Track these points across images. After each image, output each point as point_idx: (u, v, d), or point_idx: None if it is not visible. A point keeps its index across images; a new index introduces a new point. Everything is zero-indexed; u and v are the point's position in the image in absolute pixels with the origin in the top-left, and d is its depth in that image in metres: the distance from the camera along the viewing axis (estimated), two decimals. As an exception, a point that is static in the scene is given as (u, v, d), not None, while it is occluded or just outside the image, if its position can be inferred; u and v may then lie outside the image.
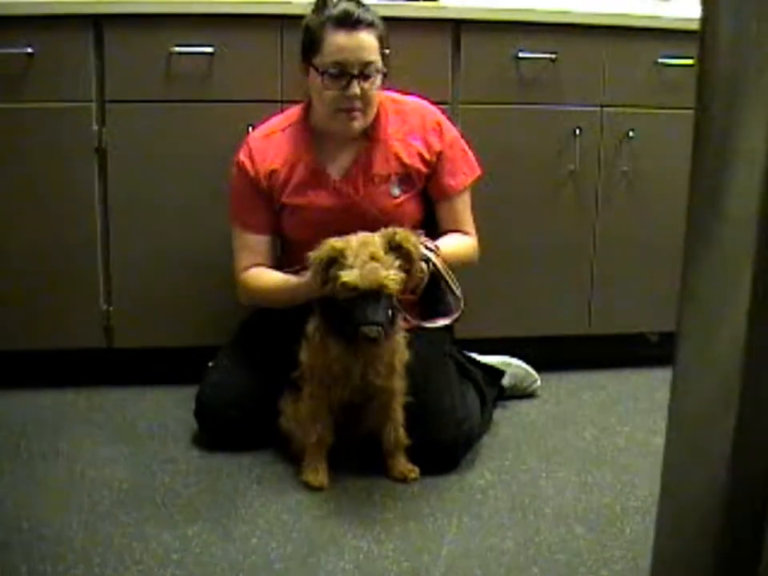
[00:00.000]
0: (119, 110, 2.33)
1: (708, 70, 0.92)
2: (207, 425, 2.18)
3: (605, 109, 2.53)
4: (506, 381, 2.44)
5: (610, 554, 1.77)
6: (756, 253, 0.88)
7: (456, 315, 2.08)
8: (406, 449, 2.05)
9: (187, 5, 2.28)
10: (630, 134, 2.53)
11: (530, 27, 2.44)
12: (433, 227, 2.22)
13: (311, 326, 2.01)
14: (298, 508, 1.92)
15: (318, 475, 2.00)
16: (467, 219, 2.25)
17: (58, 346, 2.45)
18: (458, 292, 2.08)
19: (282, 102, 2.35)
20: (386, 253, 1.89)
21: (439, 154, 2.19)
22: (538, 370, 2.53)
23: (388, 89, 2.17)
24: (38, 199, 2.34)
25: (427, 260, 2.02)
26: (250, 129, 2.29)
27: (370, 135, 2.15)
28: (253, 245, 2.19)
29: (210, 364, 2.27)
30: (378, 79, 2.09)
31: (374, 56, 2.06)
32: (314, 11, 2.08)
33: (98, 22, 2.27)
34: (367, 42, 2.04)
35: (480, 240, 2.25)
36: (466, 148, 2.24)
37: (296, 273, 2.11)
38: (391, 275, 1.87)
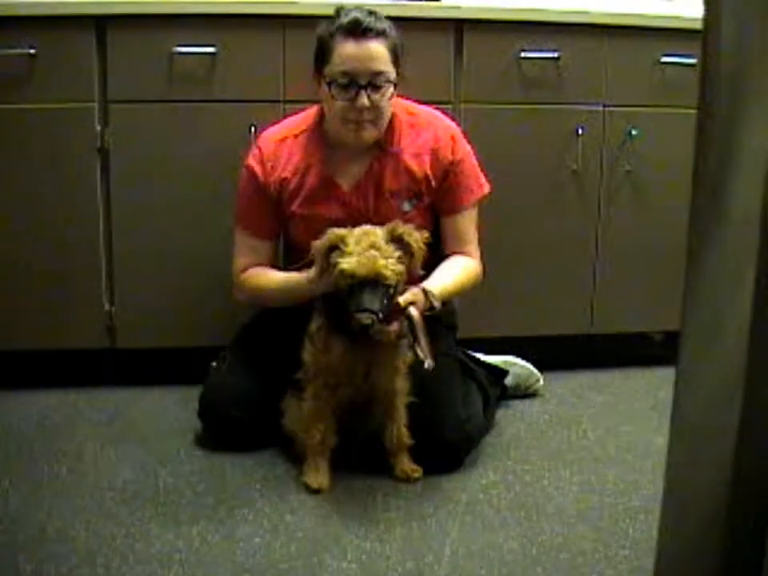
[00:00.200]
0: (122, 110, 2.33)
1: (711, 69, 0.92)
2: (211, 425, 2.18)
3: (607, 108, 2.52)
4: (509, 380, 2.44)
5: (613, 554, 1.77)
6: (759, 253, 0.88)
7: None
8: (409, 449, 2.05)
9: (189, 5, 2.28)
10: (633, 133, 2.53)
11: (532, 27, 2.44)
12: (439, 244, 2.18)
13: (314, 326, 2.01)
14: (302, 508, 1.92)
15: (318, 477, 1.99)
16: (472, 237, 2.20)
17: (61, 347, 2.45)
18: (422, 356, 1.90)
19: (284, 102, 2.34)
20: (386, 244, 1.90)
21: (449, 169, 2.15)
22: (541, 369, 2.52)
23: (399, 95, 2.13)
24: (41, 200, 2.34)
25: (408, 316, 1.91)
26: (252, 129, 2.29)
27: (383, 147, 2.12)
28: (255, 248, 2.18)
29: (214, 364, 2.27)
30: (390, 90, 2.04)
31: (384, 66, 2.02)
32: (327, 21, 2.06)
33: (100, 23, 2.26)
34: (377, 51, 2.01)
35: (482, 240, 2.24)
36: (476, 164, 2.21)
37: (299, 270, 2.10)
38: (390, 265, 1.87)
